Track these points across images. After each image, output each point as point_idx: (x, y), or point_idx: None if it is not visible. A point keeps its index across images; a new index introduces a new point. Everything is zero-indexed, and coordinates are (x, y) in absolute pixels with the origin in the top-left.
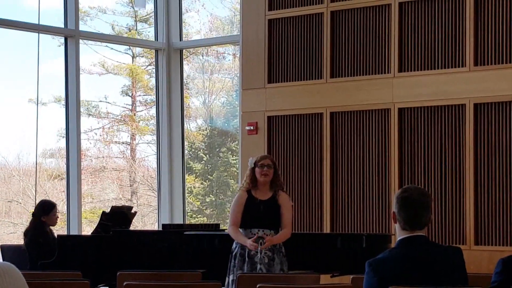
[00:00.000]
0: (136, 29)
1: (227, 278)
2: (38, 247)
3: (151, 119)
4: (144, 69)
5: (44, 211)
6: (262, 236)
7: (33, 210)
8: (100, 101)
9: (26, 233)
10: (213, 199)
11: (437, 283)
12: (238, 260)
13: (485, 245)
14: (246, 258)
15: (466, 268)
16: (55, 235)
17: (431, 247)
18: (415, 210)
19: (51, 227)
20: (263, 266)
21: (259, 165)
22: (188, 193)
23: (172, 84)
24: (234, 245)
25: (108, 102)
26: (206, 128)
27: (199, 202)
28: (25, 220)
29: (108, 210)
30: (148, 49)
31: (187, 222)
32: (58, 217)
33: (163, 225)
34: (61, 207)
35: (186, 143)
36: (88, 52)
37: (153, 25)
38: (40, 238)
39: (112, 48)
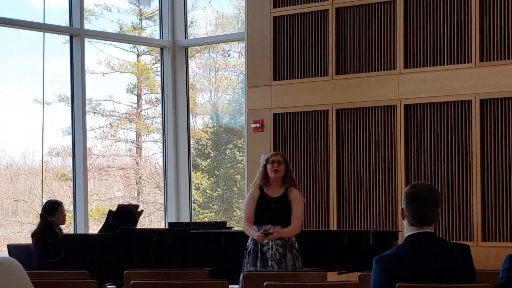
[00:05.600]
0: (141, 27)
1: (241, 274)
2: (46, 248)
3: (157, 116)
4: (150, 67)
5: (50, 210)
6: (269, 230)
7: (40, 212)
8: (106, 99)
9: (34, 235)
10: (220, 193)
11: (444, 280)
12: (251, 257)
13: (492, 241)
14: (259, 255)
15: (474, 265)
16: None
17: (438, 244)
18: (423, 206)
19: (61, 227)
20: (274, 263)
21: (269, 162)
22: (195, 189)
23: (177, 82)
24: (248, 242)
25: (114, 101)
26: (213, 126)
27: (206, 198)
28: (32, 219)
29: (114, 208)
30: (153, 47)
31: (194, 218)
32: (65, 215)
33: (170, 223)
34: (68, 206)
35: (192, 140)
36: (93, 51)
37: (158, 23)
38: (48, 238)
39: (117, 47)
